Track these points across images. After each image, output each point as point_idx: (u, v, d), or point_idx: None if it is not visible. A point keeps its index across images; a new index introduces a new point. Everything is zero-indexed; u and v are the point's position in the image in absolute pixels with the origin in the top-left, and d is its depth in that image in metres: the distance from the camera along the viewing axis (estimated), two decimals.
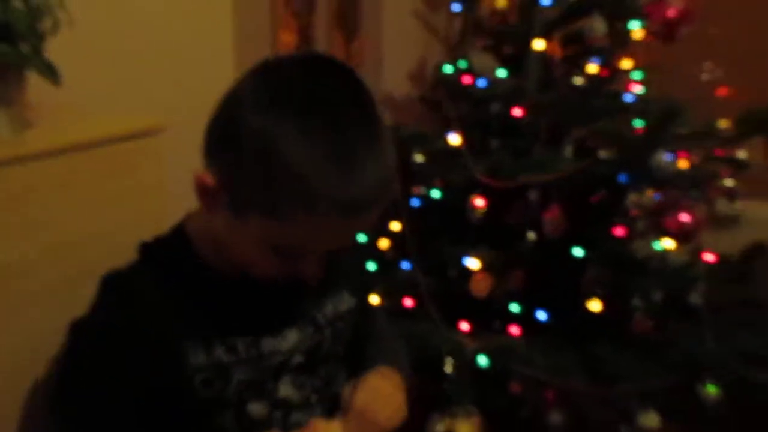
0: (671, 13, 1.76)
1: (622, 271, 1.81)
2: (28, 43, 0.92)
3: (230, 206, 0.76)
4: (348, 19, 2.17)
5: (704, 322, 1.77)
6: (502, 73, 1.94)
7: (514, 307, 1.68)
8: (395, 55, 2.54)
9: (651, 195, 1.56)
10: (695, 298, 1.92)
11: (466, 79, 1.97)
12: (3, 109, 0.91)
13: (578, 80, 1.94)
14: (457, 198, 1.78)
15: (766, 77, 2.53)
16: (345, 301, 0.96)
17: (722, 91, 2.09)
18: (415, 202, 1.88)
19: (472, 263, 1.69)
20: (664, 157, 1.48)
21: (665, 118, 1.48)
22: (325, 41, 2.07)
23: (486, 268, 1.70)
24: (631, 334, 1.69)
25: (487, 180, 1.72)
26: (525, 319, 1.66)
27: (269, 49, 1.83)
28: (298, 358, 0.88)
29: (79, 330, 0.82)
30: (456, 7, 2.19)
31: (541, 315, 1.65)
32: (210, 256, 0.85)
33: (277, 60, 0.79)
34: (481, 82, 1.95)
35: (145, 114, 1.08)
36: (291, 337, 0.88)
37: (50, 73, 0.93)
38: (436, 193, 1.83)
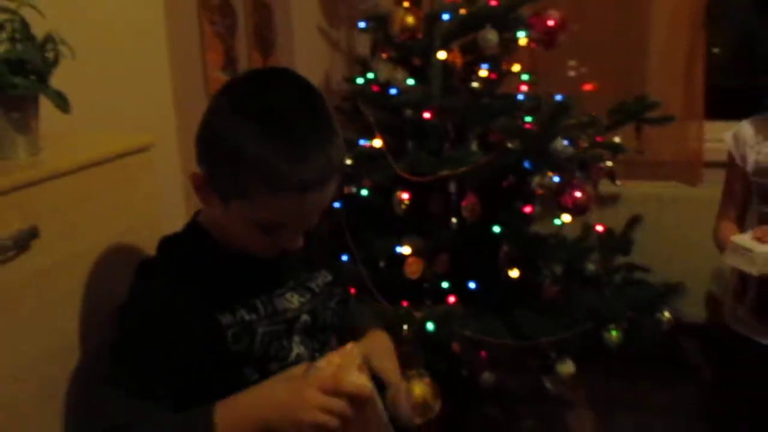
0: (551, 23, 2.09)
1: (530, 246, 2.14)
2: (36, 76, 1.08)
3: (218, 196, 0.98)
4: (264, 39, 2.37)
5: (601, 283, 2.12)
6: (410, 81, 2.21)
7: (444, 284, 1.95)
8: (305, 70, 2.75)
9: (551, 176, 1.88)
10: (590, 265, 2.28)
11: (376, 89, 2.24)
12: (21, 135, 1.06)
13: (475, 84, 2.25)
14: (384, 195, 2.02)
15: (628, 73, 2.96)
16: (326, 276, 1.18)
17: (588, 87, 2.43)
18: (346, 202, 2.11)
19: (405, 250, 1.94)
20: (563, 143, 1.80)
21: (558, 111, 1.80)
22: (246, 59, 2.25)
23: (416, 253, 1.96)
24: (544, 298, 2.01)
25: (409, 176, 1.98)
26: (456, 292, 1.93)
27: (200, 68, 2.00)
28: (305, 317, 1.10)
29: (126, 312, 1.00)
30: (362, 24, 2.44)
31: (471, 284, 1.93)
32: (220, 239, 1.06)
33: (238, 77, 1.05)
34: (393, 91, 2.21)
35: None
36: (295, 300, 1.10)
37: (61, 101, 1.09)
38: (364, 192, 2.07)
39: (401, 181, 2.00)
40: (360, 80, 2.35)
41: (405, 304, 1.87)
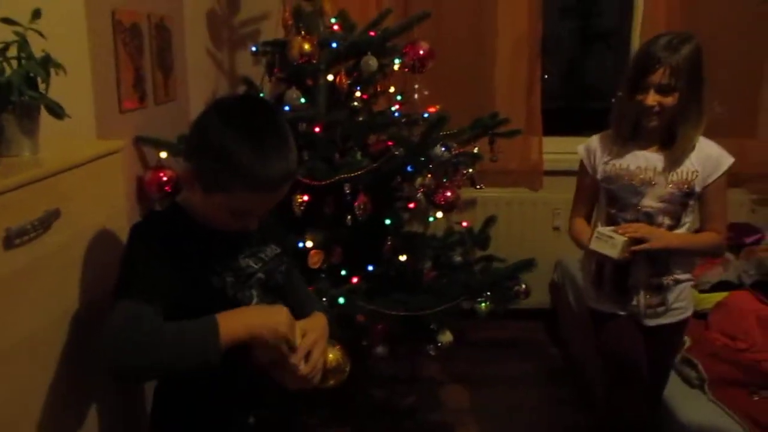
0: (422, 51, 2.55)
1: (409, 238, 2.58)
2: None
3: (202, 188, 1.31)
4: (164, 60, 2.64)
5: (468, 270, 2.60)
6: (302, 100, 2.58)
7: (343, 272, 2.33)
8: (196, 88, 3.05)
9: (430, 177, 2.33)
10: (457, 257, 2.76)
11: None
12: (27, 138, 1.33)
13: (355, 103, 2.66)
14: (286, 197, 2.36)
15: (479, 95, 3.52)
16: (275, 249, 1.53)
17: (431, 108, 2.87)
18: None
19: (308, 243, 2.30)
20: (441, 149, 2.25)
21: (437, 123, 2.26)
22: (151, 78, 2.51)
23: (316, 246, 2.33)
24: (424, 282, 2.45)
25: (309, 181, 2.34)
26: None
27: (115, 83, 2.24)
28: (260, 275, 1.44)
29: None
30: (254, 48, 2.79)
31: (370, 267, 2.34)
32: (195, 217, 1.38)
33: (226, 99, 1.40)
34: (286, 108, 2.57)
35: None
36: (253, 262, 1.44)
37: (58, 109, 1.36)
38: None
39: (299, 185, 2.35)
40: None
41: (311, 289, 2.23)
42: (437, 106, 2.71)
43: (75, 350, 1.33)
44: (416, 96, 2.85)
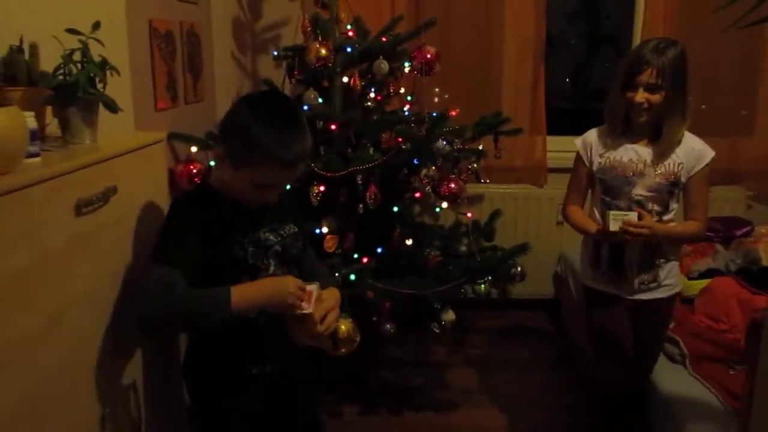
0: (429, 56, 2.81)
1: (417, 228, 2.84)
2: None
3: (231, 165, 1.59)
4: (194, 64, 2.93)
5: (474, 254, 2.85)
6: (320, 100, 2.86)
7: (355, 255, 2.61)
8: (222, 90, 3.34)
9: (434, 170, 2.59)
10: (462, 246, 3.01)
11: None
12: (88, 128, 1.61)
13: (369, 103, 2.93)
14: (304, 187, 2.64)
15: (486, 97, 3.77)
16: (292, 228, 1.81)
17: (453, 111, 3.13)
18: None
19: (324, 229, 2.57)
20: (442, 143, 2.52)
21: (438, 120, 2.52)
22: (182, 80, 2.81)
23: (331, 232, 2.60)
24: (429, 265, 2.71)
25: (325, 173, 2.61)
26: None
27: (151, 85, 2.53)
28: (277, 247, 1.72)
29: (167, 217, 1.65)
30: (275, 53, 3.07)
31: (379, 249, 2.61)
32: (224, 194, 1.66)
33: (254, 93, 1.68)
34: (305, 107, 2.84)
35: None
36: (272, 236, 1.72)
37: (113, 104, 1.64)
38: (287, 186, 2.67)
39: (317, 177, 2.63)
40: None
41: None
42: (457, 110, 2.97)
43: (124, 304, 1.61)
44: (436, 99, 3.12)
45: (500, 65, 3.75)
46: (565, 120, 3.90)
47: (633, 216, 2.13)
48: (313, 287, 1.65)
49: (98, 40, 1.62)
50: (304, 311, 1.60)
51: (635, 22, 3.73)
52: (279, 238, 1.74)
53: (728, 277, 2.81)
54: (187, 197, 1.73)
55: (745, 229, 3.35)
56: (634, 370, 2.32)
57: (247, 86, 3.64)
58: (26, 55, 1.53)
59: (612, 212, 2.17)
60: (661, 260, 2.24)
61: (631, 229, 2.11)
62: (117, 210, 1.56)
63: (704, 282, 2.84)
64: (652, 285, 2.25)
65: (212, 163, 2.60)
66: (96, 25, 1.61)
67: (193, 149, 2.66)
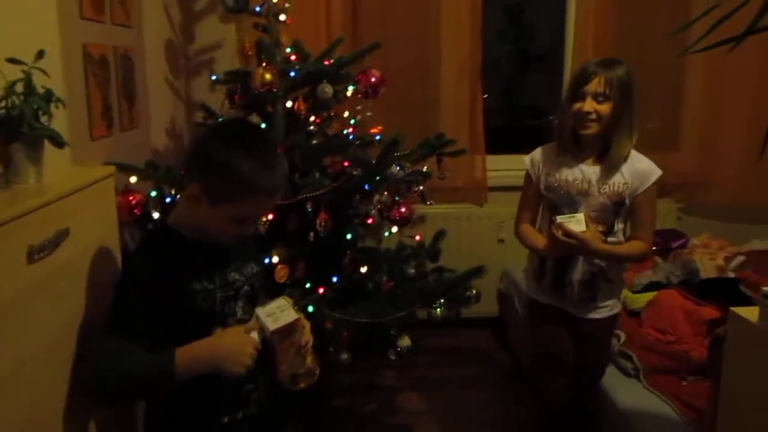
0: (374, 79, 2.78)
1: (366, 252, 2.79)
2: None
3: (209, 203, 1.49)
4: (129, 90, 2.80)
5: (424, 279, 2.82)
6: (263, 125, 2.77)
7: (307, 284, 2.53)
8: (157, 116, 3.21)
9: (387, 195, 2.55)
10: (410, 269, 2.98)
11: None
12: (33, 166, 1.49)
13: (311, 127, 2.87)
14: None
15: (426, 117, 3.77)
16: (254, 267, 1.72)
17: (373, 129, 3.07)
18: None
19: (274, 259, 2.48)
20: (396, 168, 2.48)
21: (392, 145, 2.49)
22: (117, 107, 2.67)
23: (282, 261, 2.52)
24: (382, 292, 2.66)
25: None
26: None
27: (86, 113, 2.39)
28: (246, 288, 1.63)
29: (120, 275, 1.52)
30: (214, 77, 2.97)
31: (334, 279, 2.54)
32: (188, 235, 1.56)
33: (220, 125, 1.60)
34: None
35: None
36: (238, 275, 1.63)
37: (60, 139, 1.52)
38: None
39: None
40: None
41: None
42: (380, 127, 2.94)
43: (81, 357, 1.49)
44: (359, 117, 3.05)
45: (438, 86, 3.77)
46: (499, 138, 3.95)
47: (580, 217, 2.13)
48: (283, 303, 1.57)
49: (42, 70, 1.50)
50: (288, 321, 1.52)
51: (566, 41, 3.81)
52: (246, 278, 1.66)
53: (672, 290, 2.88)
54: (143, 250, 1.60)
55: (680, 241, 3.47)
56: (576, 384, 2.33)
57: (182, 111, 3.51)
58: None
59: (558, 219, 2.15)
60: (602, 281, 2.24)
61: (559, 233, 2.11)
62: (68, 253, 1.44)
63: (649, 295, 2.90)
64: (592, 304, 2.26)
65: (168, 199, 2.48)
66: (40, 54, 1.49)
67: (133, 179, 2.52)
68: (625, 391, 2.45)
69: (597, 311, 2.27)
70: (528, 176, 2.37)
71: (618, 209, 2.20)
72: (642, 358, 2.54)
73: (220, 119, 2.95)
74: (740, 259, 3.16)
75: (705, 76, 3.72)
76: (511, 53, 5.30)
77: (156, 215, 2.60)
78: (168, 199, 2.59)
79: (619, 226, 2.23)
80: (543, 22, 4.89)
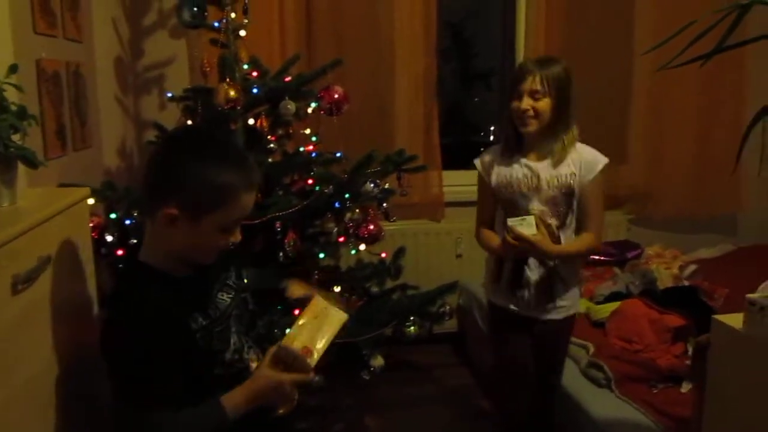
0: (336, 95, 2.73)
1: (331, 271, 2.74)
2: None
3: (190, 220, 1.39)
4: (81, 108, 2.66)
5: (389, 297, 2.79)
6: None
7: (278, 306, 2.45)
8: (108, 134, 3.07)
9: (358, 212, 2.50)
10: (374, 287, 2.93)
11: None
12: (6, 188, 1.38)
13: (272, 144, 2.80)
14: None
15: (380, 133, 3.74)
16: (236, 278, 1.64)
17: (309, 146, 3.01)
18: None
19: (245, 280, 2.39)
20: (370, 185, 2.44)
21: (365, 162, 2.45)
22: (70, 126, 2.53)
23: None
24: (352, 308, 2.60)
25: None
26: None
27: (41, 132, 2.25)
28: (236, 312, 1.55)
29: (111, 339, 1.39)
30: (169, 94, 2.86)
31: None
32: (166, 270, 1.45)
33: (177, 140, 1.56)
34: None
35: None
36: (225, 297, 1.56)
37: (34, 159, 1.42)
38: None
39: None
40: None
41: None
42: (313, 146, 2.88)
43: (64, 394, 1.38)
44: (308, 131, 2.97)
45: (392, 103, 3.74)
46: (449, 154, 3.96)
47: (530, 220, 2.14)
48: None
49: (16, 86, 1.40)
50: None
51: (516, 58, 3.87)
52: (233, 293, 1.58)
53: (635, 299, 2.92)
54: (133, 297, 1.41)
55: (635, 252, 3.54)
56: (536, 393, 2.33)
57: (132, 130, 3.37)
58: None
59: (509, 221, 2.16)
60: (558, 282, 2.26)
61: (509, 237, 2.12)
62: (49, 282, 1.34)
63: (612, 305, 2.94)
64: (549, 305, 2.27)
65: (128, 222, 2.36)
66: (13, 68, 1.39)
67: (90, 201, 2.39)
68: (598, 402, 2.46)
69: (554, 312, 2.28)
70: (480, 178, 2.37)
71: (569, 201, 2.21)
72: (611, 368, 2.56)
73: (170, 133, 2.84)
74: (692, 267, 3.26)
75: (651, 89, 3.83)
76: (454, 71, 5.34)
77: (110, 238, 2.49)
78: (127, 221, 2.47)
79: (571, 220, 2.24)
80: (486, 40, 4.95)
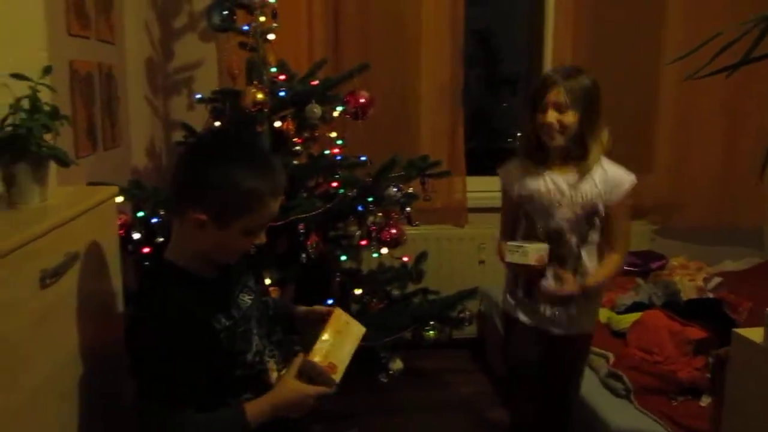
0: (362, 100, 2.76)
1: (353, 274, 2.76)
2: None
3: (217, 224, 1.42)
4: (111, 108, 2.72)
5: (410, 301, 2.80)
6: None
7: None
8: (137, 134, 3.13)
9: (381, 216, 2.52)
10: (395, 290, 2.95)
11: None
12: (38, 186, 1.42)
13: (298, 147, 2.83)
14: None
15: (405, 138, 3.76)
16: (251, 277, 1.67)
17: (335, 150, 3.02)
18: None
19: (266, 281, 2.43)
20: (393, 189, 2.46)
21: (389, 165, 2.47)
22: (101, 126, 2.59)
23: (274, 283, 2.46)
24: (372, 311, 2.62)
25: None
26: None
27: (72, 131, 2.31)
28: (256, 314, 1.57)
29: (136, 337, 1.42)
30: (198, 96, 2.91)
31: (329, 301, 2.49)
32: (191, 269, 1.48)
33: (203, 144, 1.60)
34: None
35: None
36: (246, 299, 1.58)
37: (66, 158, 1.46)
38: None
39: None
40: None
41: None
42: (343, 148, 2.91)
43: (87, 388, 1.41)
44: (333, 134, 2.97)
45: (418, 109, 3.75)
46: (473, 160, 3.95)
47: (527, 250, 2.07)
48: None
49: (49, 87, 1.44)
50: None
51: (543, 65, 3.86)
52: (252, 295, 1.61)
53: (656, 310, 2.90)
54: (158, 295, 1.44)
55: (659, 262, 3.51)
56: (548, 404, 2.31)
57: (160, 130, 3.43)
58: None
59: (508, 243, 2.13)
60: (579, 298, 2.18)
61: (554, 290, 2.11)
62: (76, 277, 1.38)
63: (634, 315, 2.92)
64: (564, 319, 2.21)
65: (155, 220, 2.39)
66: (47, 70, 1.43)
67: (119, 199, 2.44)
68: (617, 412, 2.44)
69: (570, 327, 2.23)
70: (504, 189, 2.34)
71: (591, 219, 2.15)
72: (631, 379, 2.54)
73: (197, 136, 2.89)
74: (717, 280, 3.22)
75: (678, 99, 3.80)
76: (480, 77, 5.35)
77: (137, 236, 2.53)
78: (154, 220, 2.51)
79: (592, 237, 2.17)
80: (511, 46, 4.95)
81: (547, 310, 2.22)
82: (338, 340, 1.55)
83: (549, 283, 2.18)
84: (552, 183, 2.16)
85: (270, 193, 1.44)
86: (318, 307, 1.74)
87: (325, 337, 1.53)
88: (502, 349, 2.41)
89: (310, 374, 1.48)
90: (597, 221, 2.16)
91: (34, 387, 1.19)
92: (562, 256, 2.17)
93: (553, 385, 2.30)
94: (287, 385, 1.47)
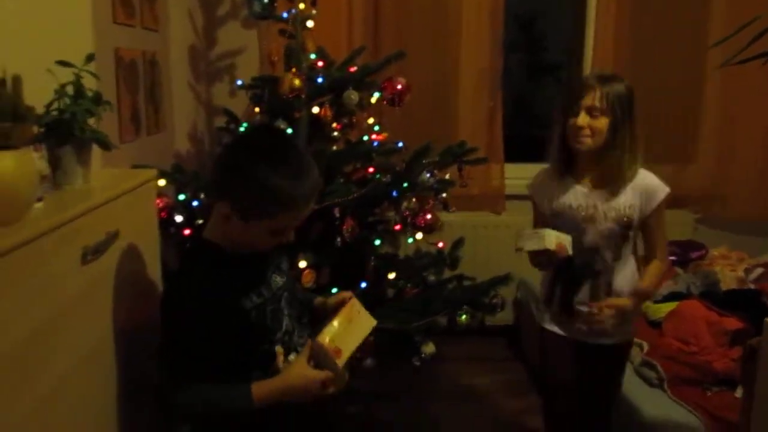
0: (399, 86, 2.78)
1: (389, 258, 2.79)
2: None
3: (240, 219, 1.46)
4: (155, 94, 2.80)
5: (445, 287, 2.82)
6: (290, 130, 2.77)
7: (333, 290, 2.52)
8: (180, 119, 3.21)
9: (415, 201, 2.55)
10: (431, 276, 2.97)
11: None
12: (81, 168, 1.49)
13: (336, 133, 2.87)
14: None
15: (444, 125, 3.77)
16: (285, 260, 1.71)
17: (378, 136, 2.98)
18: None
19: (302, 264, 2.48)
20: (426, 175, 2.49)
21: (422, 151, 2.49)
22: (144, 112, 2.67)
23: (310, 266, 2.51)
24: (405, 298, 2.66)
25: None
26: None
27: (117, 117, 2.39)
28: (286, 294, 1.62)
29: (167, 307, 1.48)
30: (239, 82, 2.97)
31: (363, 284, 2.53)
32: (226, 247, 1.54)
33: (244, 137, 1.61)
34: None
35: None
36: (278, 279, 1.62)
37: (106, 142, 1.52)
38: None
39: None
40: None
41: None
42: (385, 134, 2.92)
43: (126, 363, 1.48)
44: (371, 120, 2.98)
45: (456, 95, 3.76)
46: (511, 147, 3.94)
47: (543, 234, 1.99)
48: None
49: (92, 73, 1.50)
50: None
51: (585, 52, 3.82)
52: (283, 278, 1.65)
53: (693, 300, 2.87)
54: (191, 272, 1.52)
55: (699, 252, 3.47)
56: (583, 415, 2.23)
57: (203, 116, 3.51)
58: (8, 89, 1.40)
59: (522, 231, 2.09)
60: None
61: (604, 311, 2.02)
62: (116, 256, 1.44)
63: (671, 305, 2.90)
64: (600, 330, 2.09)
65: (195, 203, 2.46)
66: (90, 57, 1.49)
67: (161, 182, 2.52)
68: (650, 401, 2.44)
69: (609, 337, 2.13)
70: (533, 201, 2.29)
71: (626, 233, 2.07)
72: (665, 368, 2.53)
73: (244, 125, 2.95)
74: (759, 271, 3.17)
75: (723, 87, 3.72)
76: (522, 63, 5.31)
77: (179, 219, 2.61)
78: (195, 203, 2.59)
79: (626, 251, 2.10)
80: (554, 33, 4.91)
81: (584, 322, 2.12)
82: (348, 327, 1.58)
83: (583, 299, 2.12)
84: (584, 198, 2.08)
85: (298, 198, 1.45)
86: (333, 298, 1.74)
87: (336, 322, 1.56)
88: (540, 361, 2.36)
89: (317, 357, 1.51)
90: (631, 234, 2.09)
91: (74, 363, 1.26)
92: (596, 272, 2.11)
93: (594, 395, 2.21)
94: (297, 372, 1.50)
